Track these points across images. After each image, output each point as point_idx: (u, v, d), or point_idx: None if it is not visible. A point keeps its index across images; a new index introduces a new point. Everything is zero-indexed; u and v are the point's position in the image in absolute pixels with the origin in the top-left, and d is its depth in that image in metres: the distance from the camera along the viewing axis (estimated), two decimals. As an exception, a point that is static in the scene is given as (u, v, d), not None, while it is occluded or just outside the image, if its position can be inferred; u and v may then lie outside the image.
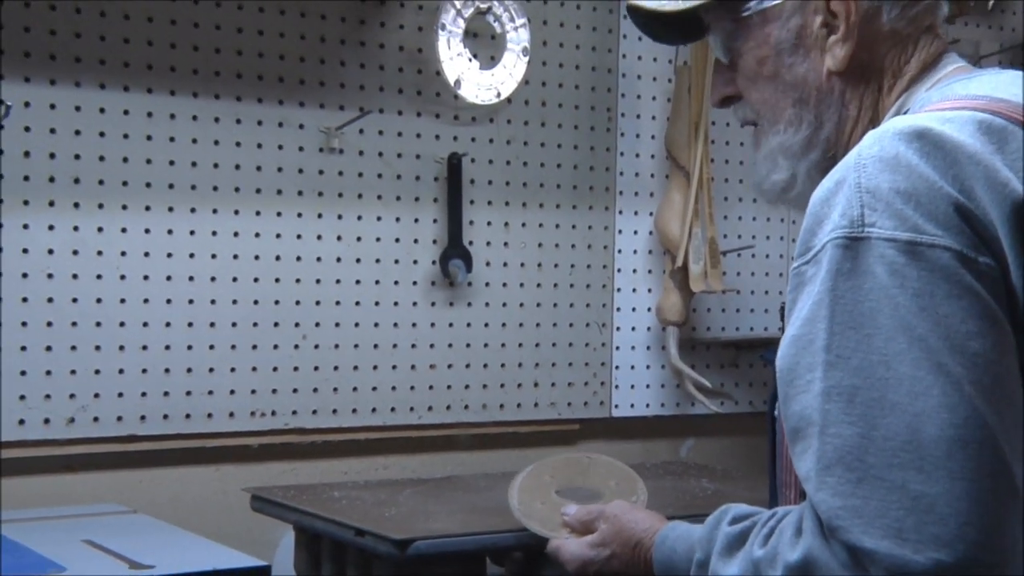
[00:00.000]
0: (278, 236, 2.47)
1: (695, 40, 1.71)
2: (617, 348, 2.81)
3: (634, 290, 2.84)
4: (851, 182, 1.32)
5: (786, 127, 1.56)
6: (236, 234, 2.43)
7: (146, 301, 2.35)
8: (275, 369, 2.47)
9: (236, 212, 2.43)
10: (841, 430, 1.28)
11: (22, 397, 2.25)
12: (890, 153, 1.32)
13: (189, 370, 2.39)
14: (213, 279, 2.41)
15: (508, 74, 2.61)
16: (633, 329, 2.84)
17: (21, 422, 2.25)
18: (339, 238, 2.52)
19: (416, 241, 2.60)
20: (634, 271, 2.84)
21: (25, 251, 2.25)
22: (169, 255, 2.37)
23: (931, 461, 1.24)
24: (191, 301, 2.39)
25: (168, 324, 2.37)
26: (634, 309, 2.84)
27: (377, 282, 2.57)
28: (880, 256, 1.28)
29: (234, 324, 2.43)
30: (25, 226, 2.24)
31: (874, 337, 1.28)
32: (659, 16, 1.63)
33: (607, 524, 1.65)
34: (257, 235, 2.45)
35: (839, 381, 1.29)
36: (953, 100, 1.42)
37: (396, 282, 2.58)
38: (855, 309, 1.29)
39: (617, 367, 2.79)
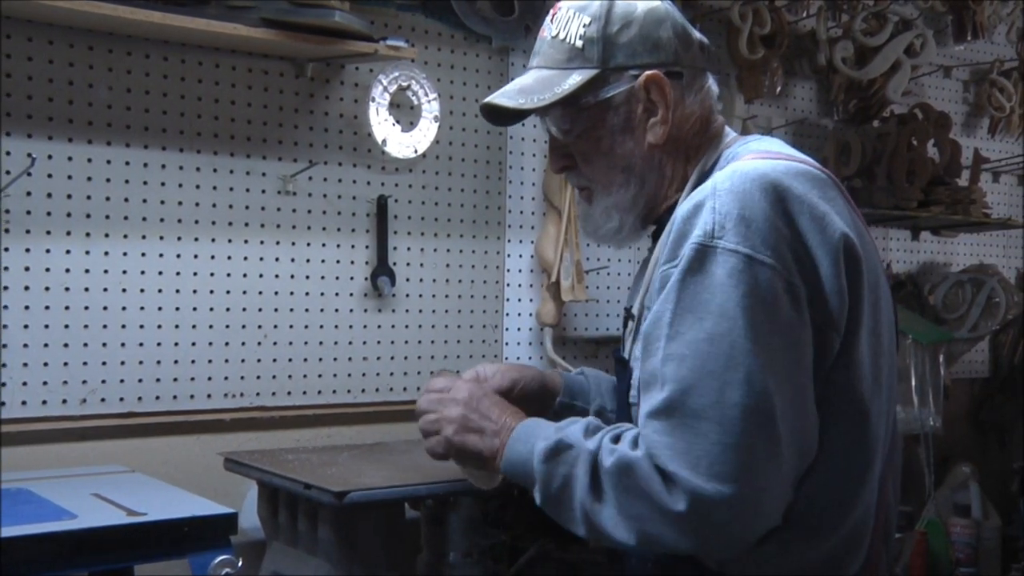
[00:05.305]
0: (245, 258, 2.44)
1: (518, 122, 1.71)
2: (506, 344, 2.81)
3: (519, 300, 2.84)
4: (708, 206, 1.36)
5: (617, 189, 1.55)
6: (213, 256, 2.40)
7: (142, 308, 2.32)
8: (243, 361, 2.45)
9: (213, 240, 2.40)
10: (671, 386, 1.32)
11: (45, 383, 2.21)
12: (739, 188, 1.36)
13: (176, 362, 2.36)
14: (195, 291, 2.38)
15: (423, 135, 2.61)
16: (519, 330, 2.84)
17: (44, 402, 2.22)
18: (292, 260, 2.51)
19: (352, 262, 2.59)
20: (519, 285, 2.84)
21: (47, 270, 2.21)
22: (160, 272, 2.34)
23: (729, 419, 1.30)
24: (177, 308, 2.36)
25: (159, 326, 2.34)
26: (519, 314, 2.84)
27: (322, 294, 2.55)
28: (724, 262, 1.32)
29: (211, 326, 2.40)
30: (47, 250, 2.20)
31: (704, 320, 1.32)
32: (514, 112, 1.57)
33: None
34: (229, 257, 2.42)
35: (675, 350, 1.33)
36: (765, 154, 1.46)
37: (337, 294, 2.57)
38: (695, 298, 1.33)
39: (507, 358, 2.80)
